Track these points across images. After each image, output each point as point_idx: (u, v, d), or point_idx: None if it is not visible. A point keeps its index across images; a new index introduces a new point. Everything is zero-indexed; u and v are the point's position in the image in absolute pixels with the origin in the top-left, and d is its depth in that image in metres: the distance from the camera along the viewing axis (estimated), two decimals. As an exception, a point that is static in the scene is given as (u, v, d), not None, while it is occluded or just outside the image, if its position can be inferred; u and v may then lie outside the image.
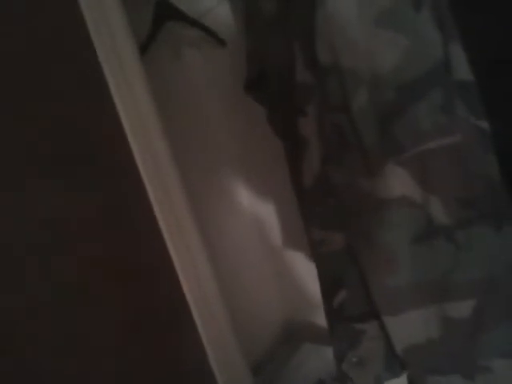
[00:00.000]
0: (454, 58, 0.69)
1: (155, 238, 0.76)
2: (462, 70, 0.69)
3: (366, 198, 0.74)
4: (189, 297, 0.79)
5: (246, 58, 0.93)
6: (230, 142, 1.17)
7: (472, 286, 0.70)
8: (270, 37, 0.84)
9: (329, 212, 0.78)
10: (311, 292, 1.15)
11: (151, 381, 0.72)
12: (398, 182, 0.72)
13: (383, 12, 0.68)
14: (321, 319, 0.92)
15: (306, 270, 1.21)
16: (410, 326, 0.74)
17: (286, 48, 0.79)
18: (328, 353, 0.99)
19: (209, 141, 1.16)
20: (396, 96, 0.70)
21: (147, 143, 0.76)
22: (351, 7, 0.69)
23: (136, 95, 0.76)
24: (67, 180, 0.66)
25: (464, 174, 0.69)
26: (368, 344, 0.78)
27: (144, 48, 1.06)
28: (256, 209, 1.25)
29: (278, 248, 1.28)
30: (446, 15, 0.68)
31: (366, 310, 0.78)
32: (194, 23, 1.10)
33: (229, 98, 1.11)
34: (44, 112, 0.65)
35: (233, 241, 1.20)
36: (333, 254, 0.79)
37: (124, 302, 0.70)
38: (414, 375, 0.76)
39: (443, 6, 0.68)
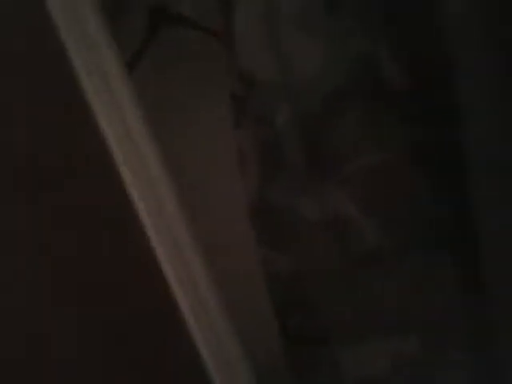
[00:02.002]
0: (378, 61, 0.59)
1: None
2: (395, 77, 0.59)
3: (302, 219, 0.68)
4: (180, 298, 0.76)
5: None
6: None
7: (412, 319, 0.63)
8: None
9: (269, 231, 0.73)
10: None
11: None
12: (332, 202, 0.65)
13: (296, 14, 0.61)
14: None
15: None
16: (361, 360, 0.68)
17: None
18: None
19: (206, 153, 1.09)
20: (320, 109, 0.62)
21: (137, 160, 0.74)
22: (263, 13, 0.62)
23: (124, 116, 0.74)
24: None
25: (398, 199, 0.61)
26: (326, 371, 0.73)
27: (133, 62, 1.01)
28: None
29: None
30: (367, 11, 0.59)
31: (318, 336, 0.72)
32: (194, 25, 1.02)
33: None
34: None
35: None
36: (280, 275, 0.74)
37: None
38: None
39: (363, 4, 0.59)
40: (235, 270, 1.02)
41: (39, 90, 0.66)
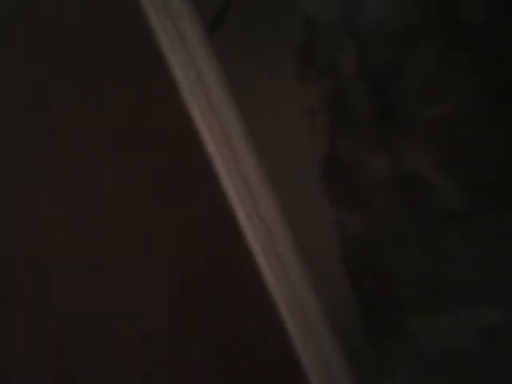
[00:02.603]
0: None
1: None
2: (471, 8, 0.50)
3: (374, 175, 0.62)
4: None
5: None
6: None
7: (492, 289, 0.55)
8: None
9: (340, 190, 0.69)
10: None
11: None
12: (406, 157, 0.59)
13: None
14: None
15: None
16: (436, 331, 0.62)
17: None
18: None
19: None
20: (387, 53, 0.56)
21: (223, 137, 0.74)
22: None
23: (206, 85, 0.74)
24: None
25: (476, 147, 0.53)
26: (399, 340, 0.68)
27: (214, 28, 0.99)
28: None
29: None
30: None
31: (393, 302, 0.68)
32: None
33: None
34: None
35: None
36: (353, 237, 0.70)
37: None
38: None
39: None
40: (311, 232, 0.99)
41: (119, 52, 0.67)
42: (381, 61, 0.57)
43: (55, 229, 0.61)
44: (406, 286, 0.65)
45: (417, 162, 0.58)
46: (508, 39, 0.50)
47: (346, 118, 0.64)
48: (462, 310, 0.59)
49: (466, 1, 0.51)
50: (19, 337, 0.59)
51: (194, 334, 0.64)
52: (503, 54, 0.51)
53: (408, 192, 0.61)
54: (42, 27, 0.65)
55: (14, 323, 0.59)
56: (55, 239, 0.61)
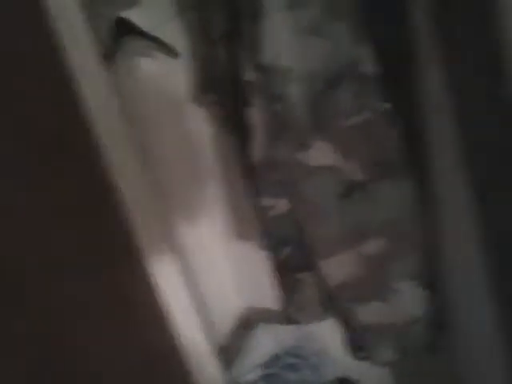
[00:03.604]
0: (363, 56, 0.92)
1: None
2: (369, 65, 0.92)
3: (301, 168, 0.94)
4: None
5: (199, 66, 1.10)
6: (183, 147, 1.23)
7: (381, 227, 0.91)
8: (222, 47, 1.04)
9: (275, 183, 0.98)
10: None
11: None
12: (325, 153, 0.93)
13: (310, 23, 0.91)
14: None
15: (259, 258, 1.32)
16: (340, 267, 0.94)
17: (236, 56, 1.00)
18: (281, 330, 1.16)
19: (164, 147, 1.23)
20: (323, 86, 0.91)
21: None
22: (287, 22, 0.91)
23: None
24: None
25: (373, 144, 0.91)
26: (307, 291, 0.97)
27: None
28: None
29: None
30: (357, 24, 0.92)
31: (305, 263, 0.97)
32: (148, 36, 1.11)
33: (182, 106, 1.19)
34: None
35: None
36: (279, 216, 0.99)
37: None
38: (342, 308, 0.95)
39: (355, 19, 0.91)
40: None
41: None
42: (317, 92, 0.92)
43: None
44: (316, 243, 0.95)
45: (329, 155, 0.93)
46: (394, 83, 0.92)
47: (281, 129, 0.95)
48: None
49: (369, 61, 0.91)
50: None
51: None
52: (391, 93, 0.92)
53: (323, 178, 0.94)
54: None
55: None
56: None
